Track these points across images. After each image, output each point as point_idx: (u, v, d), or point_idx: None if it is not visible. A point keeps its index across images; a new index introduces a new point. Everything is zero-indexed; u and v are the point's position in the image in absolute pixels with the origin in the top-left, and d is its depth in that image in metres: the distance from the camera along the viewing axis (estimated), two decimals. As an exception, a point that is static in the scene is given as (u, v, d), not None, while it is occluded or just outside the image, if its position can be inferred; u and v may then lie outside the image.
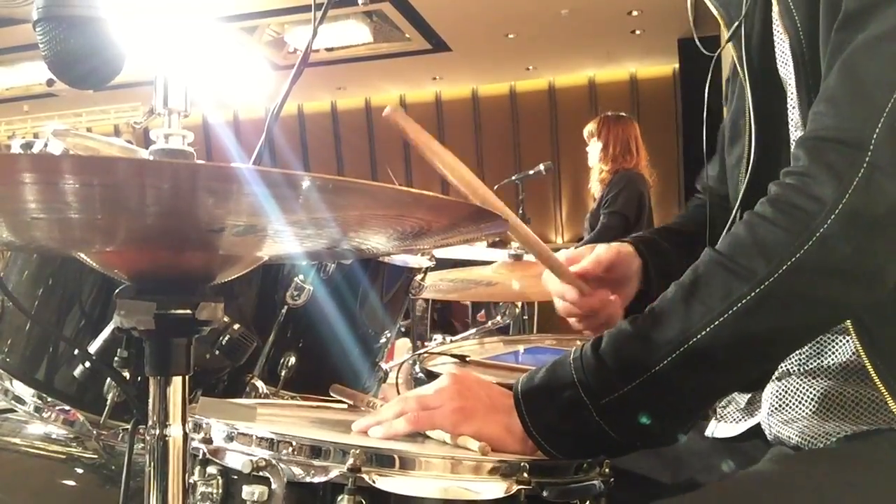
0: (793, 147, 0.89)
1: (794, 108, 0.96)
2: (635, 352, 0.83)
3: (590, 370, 0.84)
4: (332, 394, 1.15)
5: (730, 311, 0.80)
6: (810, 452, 0.93)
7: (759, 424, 1.02)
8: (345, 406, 1.16)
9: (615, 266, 1.10)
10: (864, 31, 0.82)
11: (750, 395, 1.06)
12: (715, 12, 1.09)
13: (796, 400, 0.96)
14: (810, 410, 0.95)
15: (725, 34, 1.07)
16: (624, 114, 4.54)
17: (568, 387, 0.84)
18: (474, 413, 0.87)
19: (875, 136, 0.78)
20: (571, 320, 1.12)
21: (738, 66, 1.05)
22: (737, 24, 1.04)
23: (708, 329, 0.80)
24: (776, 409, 0.98)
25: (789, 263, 0.78)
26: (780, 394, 0.98)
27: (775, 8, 0.96)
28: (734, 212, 1.06)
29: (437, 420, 0.88)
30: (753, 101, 1.02)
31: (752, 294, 0.79)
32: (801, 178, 0.82)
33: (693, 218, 1.23)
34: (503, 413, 0.87)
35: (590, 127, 4.42)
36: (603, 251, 1.10)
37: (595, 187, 4.43)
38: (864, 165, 0.77)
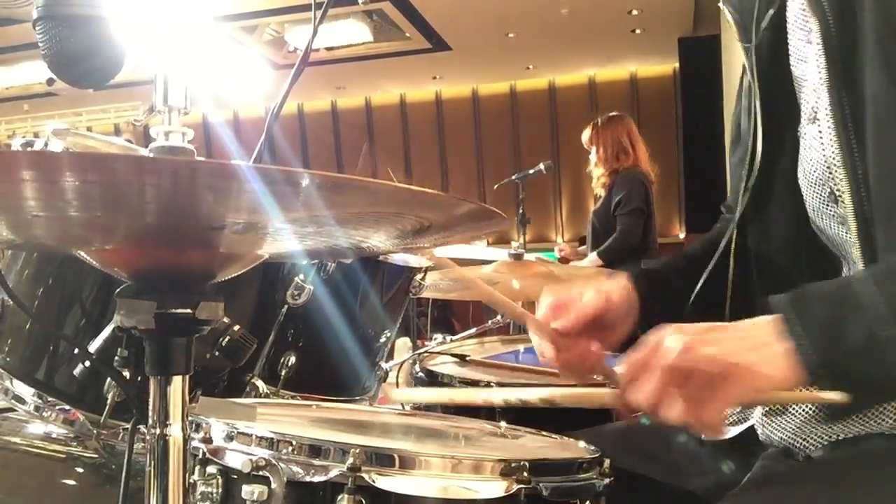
0: (815, 125, 0.89)
1: (820, 97, 0.94)
2: None
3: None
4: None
5: None
6: (800, 465, 0.92)
7: (754, 426, 1.02)
8: (344, 405, 1.17)
9: (602, 315, 1.03)
10: None
11: None
12: (729, 17, 1.09)
13: None
14: (802, 410, 0.95)
15: (737, 36, 1.07)
16: (615, 113, 4.56)
17: (867, 315, 0.76)
18: (745, 356, 0.77)
19: None
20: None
21: (747, 67, 1.05)
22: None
23: None
24: (769, 409, 0.99)
25: None
26: None
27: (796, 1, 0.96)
28: (738, 211, 1.05)
29: (704, 404, 0.77)
30: (762, 101, 1.02)
31: None
32: None
33: (713, 241, 1.16)
34: (772, 345, 0.78)
35: (584, 138, 4.48)
36: (590, 303, 1.02)
37: (599, 191, 4.47)
38: None
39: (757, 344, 0.78)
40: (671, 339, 0.79)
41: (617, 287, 1.06)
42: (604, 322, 1.03)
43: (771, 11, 1.01)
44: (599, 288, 1.05)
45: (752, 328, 0.80)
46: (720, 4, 1.11)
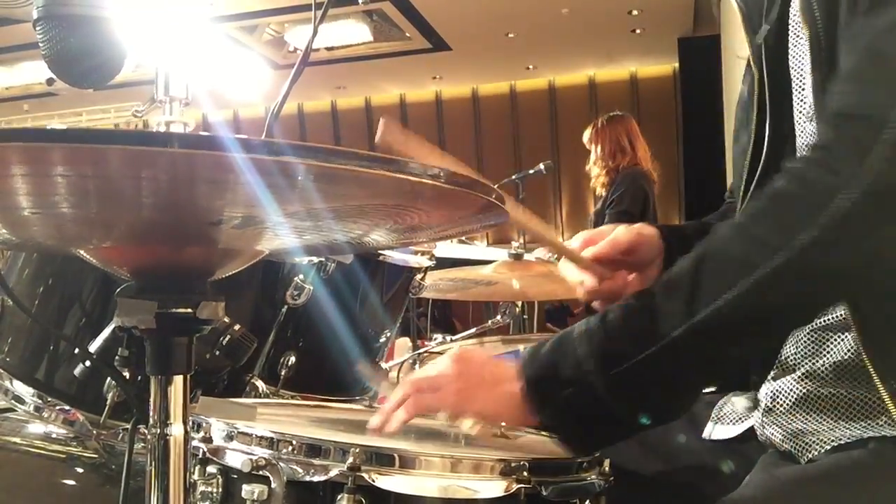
0: (813, 124, 0.90)
1: (803, 99, 0.96)
2: (644, 323, 0.82)
3: (598, 342, 0.83)
4: (358, 372, 1.16)
5: (745, 282, 0.79)
6: (800, 471, 0.92)
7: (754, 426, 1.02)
8: (344, 405, 1.16)
9: (635, 248, 1.07)
10: (889, 14, 0.82)
11: (748, 396, 1.06)
12: (736, 7, 1.09)
13: (790, 400, 0.96)
14: (803, 412, 0.94)
15: (743, 28, 1.08)
16: (617, 112, 4.57)
17: (575, 361, 0.84)
18: (477, 392, 0.87)
19: None
20: (595, 304, 1.10)
21: (751, 59, 1.06)
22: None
23: (720, 299, 0.79)
24: (769, 409, 0.98)
25: (808, 237, 0.78)
26: (774, 394, 0.98)
27: (795, 2, 0.97)
28: (740, 200, 1.06)
29: (441, 402, 0.88)
30: (766, 91, 1.03)
31: (770, 267, 0.78)
32: (822, 152, 0.82)
33: (723, 217, 1.21)
34: (506, 384, 0.86)
35: (585, 137, 4.51)
36: (623, 233, 1.07)
37: (599, 190, 4.48)
38: (888, 141, 0.77)
39: (495, 380, 0.87)
40: (436, 366, 0.91)
41: (645, 227, 1.09)
42: (636, 259, 1.06)
43: (775, 12, 1.01)
44: (629, 226, 1.09)
45: (501, 369, 0.89)
46: None
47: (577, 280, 1.08)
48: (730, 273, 0.80)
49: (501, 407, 0.86)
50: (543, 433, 1.09)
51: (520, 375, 0.86)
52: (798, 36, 0.98)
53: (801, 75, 0.97)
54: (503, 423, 0.86)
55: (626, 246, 1.06)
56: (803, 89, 0.98)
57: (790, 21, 1.00)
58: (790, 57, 0.99)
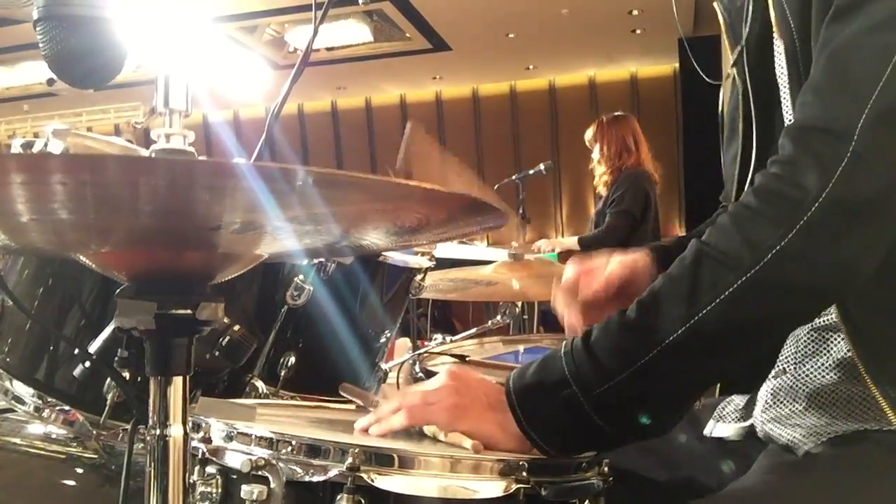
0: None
1: (788, 109, 0.97)
2: (626, 342, 0.84)
3: (581, 363, 0.84)
4: (341, 393, 1.15)
5: (716, 300, 0.80)
6: (800, 459, 0.93)
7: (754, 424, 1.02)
8: (344, 405, 1.16)
9: (629, 283, 1.08)
10: (852, 24, 0.83)
11: (748, 396, 1.06)
12: (720, 17, 1.10)
13: (790, 398, 0.97)
14: (802, 408, 0.95)
15: (726, 36, 1.08)
16: (620, 112, 4.58)
17: (560, 380, 0.85)
18: (469, 410, 0.88)
19: (860, 125, 0.79)
20: None
21: (735, 69, 1.06)
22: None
23: (696, 318, 0.81)
24: (769, 406, 0.99)
25: (774, 252, 0.79)
26: (775, 391, 0.99)
27: (772, 14, 0.97)
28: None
29: (433, 415, 0.89)
30: (751, 101, 1.03)
31: (739, 282, 0.80)
32: (785, 166, 0.83)
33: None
34: (498, 411, 0.87)
35: (587, 135, 4.50)
36: (616, 270, 1.07)
37: (601, 189, 4.49)
38: (849, 154, 0.78)
39: (489, 400, 0.88)
40: (433, 383, 0.93)
41: (640, 258, 1.09)
42: (629, 291, 1.06)
43: (756, 24, 1.02)
44: (624, 258, 1.08)
45: (496, 391, 0.89)
46: (714, 4, 1.12)
47: (562, 317, 1.09)
48: (702, 293, 0.81)
49: (492, 428, 0.86)
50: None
51: (507, 394, 0.88)
52: (778, 47, 0.99)
53: (784, 86, 0.98)
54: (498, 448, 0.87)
55: (619, 283, 1.06)
56: (787, 99, 0.99)
57: (773, 32, 1.01)
58: (776, 66, 1.00)
